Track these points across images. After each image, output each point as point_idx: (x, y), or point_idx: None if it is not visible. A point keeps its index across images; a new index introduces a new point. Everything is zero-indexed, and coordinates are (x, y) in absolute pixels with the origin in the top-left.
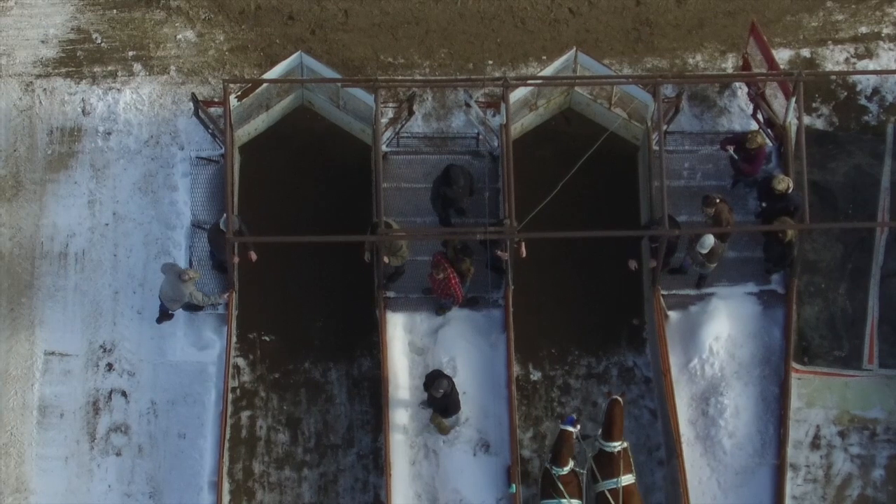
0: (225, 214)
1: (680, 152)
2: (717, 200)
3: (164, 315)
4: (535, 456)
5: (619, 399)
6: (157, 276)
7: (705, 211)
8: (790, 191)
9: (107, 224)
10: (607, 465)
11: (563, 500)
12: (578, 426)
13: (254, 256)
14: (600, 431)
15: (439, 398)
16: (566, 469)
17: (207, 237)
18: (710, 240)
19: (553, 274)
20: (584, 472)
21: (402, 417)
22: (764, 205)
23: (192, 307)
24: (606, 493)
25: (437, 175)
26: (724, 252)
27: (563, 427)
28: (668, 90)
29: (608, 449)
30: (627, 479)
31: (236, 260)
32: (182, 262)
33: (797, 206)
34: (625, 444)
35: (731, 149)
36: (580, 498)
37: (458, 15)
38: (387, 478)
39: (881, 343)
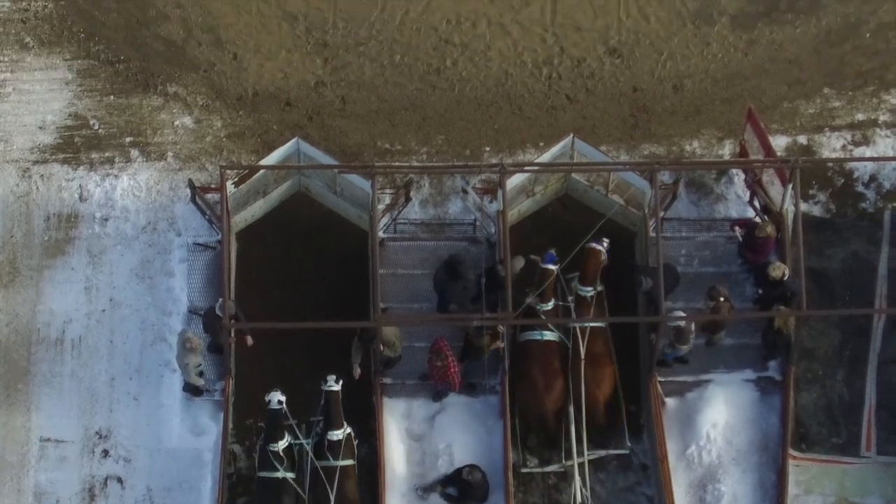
0: (221, 299)
1: (677, 239)
2: (721, 298)
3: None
4: None
5: (600, 248)
6: (153, 362)
7: (707, 302)
8: (786, 278)
9: (103, 310)
10: (581, 306)
11: (546, 332)
12: (559, 264)
13: (250, 341)
14: (578, 275)
15: (471, 485)
16: (549, 305)
17: (203, 322)
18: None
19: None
20: (570, 304)
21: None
22: (760, 291)
23: (192, 389)
24: (577, 329)
25: (440, 266)
26: (721, 340)
27: (543, 266)
28: (665, 177)
29: (581, 293)
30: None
31: (233, 344)
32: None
33: (794, 293)
34: (600, 289)
35: (739, 231)
36: (560, 331)
37: (456, 102)
38: None
39: (879, 430)
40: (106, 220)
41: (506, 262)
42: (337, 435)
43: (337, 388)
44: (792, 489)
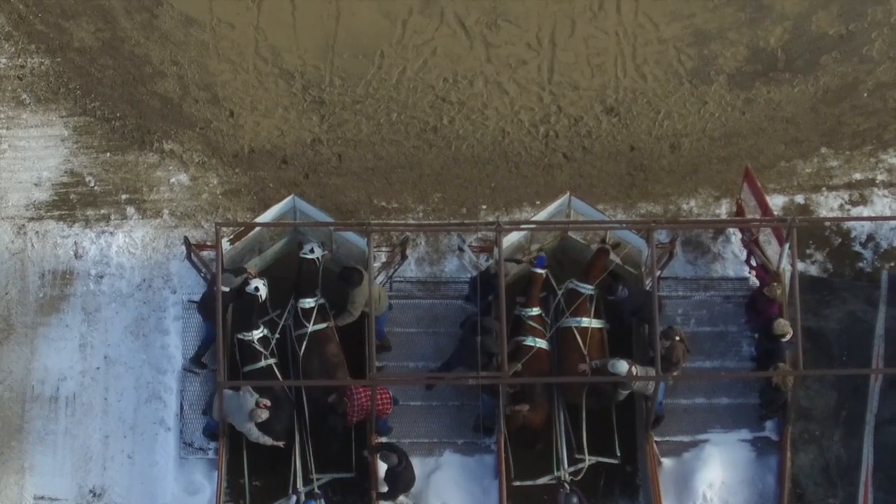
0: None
1: (673, 298)
2: (677, 338)
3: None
4: None
5: (609, 249)
6: (148, 420)
7: (663, 342)
8: (785, 339)
9: (98, 368)
10: (578, 303)
11: (538, 339)
12: (547, 269)
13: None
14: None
15: (388, 472)
16: (534, 311)
17: (199, 308)
18: (622, 366)
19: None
20: (551, 313)
21: None
22: (756, 335)
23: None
24: (573, 329)
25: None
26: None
27: (533, 270)
28: (661, 235)
29: (580, 289)
30: (587, 322)
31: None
32: (173, 406)
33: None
34: (597, 291)
35: (752, 275)
36: (545, 339)
37: (452, 160)
38: None
39: (876, 491)
40: (101, 277)
41: (501, 317)
42: (308, 303)
43: (312, 256)
44: None
